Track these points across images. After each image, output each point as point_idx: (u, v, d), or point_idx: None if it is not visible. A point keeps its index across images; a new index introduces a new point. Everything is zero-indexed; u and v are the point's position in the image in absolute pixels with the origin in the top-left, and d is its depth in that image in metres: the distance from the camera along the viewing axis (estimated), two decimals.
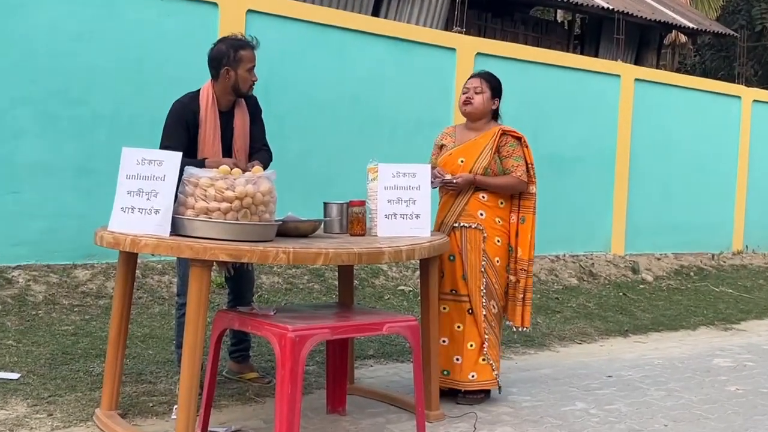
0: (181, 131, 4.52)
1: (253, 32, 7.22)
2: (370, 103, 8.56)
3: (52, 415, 4.21)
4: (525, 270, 4.89)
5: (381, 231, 4.45)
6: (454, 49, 9.24)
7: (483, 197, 4.86)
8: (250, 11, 7.71)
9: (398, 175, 4.51)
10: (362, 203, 4.56)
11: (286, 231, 4.14)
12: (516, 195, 4.94)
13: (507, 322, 5.04)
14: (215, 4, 7.52)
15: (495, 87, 4.98)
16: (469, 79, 5.04)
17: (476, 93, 4.92)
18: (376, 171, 4.56)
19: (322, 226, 4.54)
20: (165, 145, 4.42)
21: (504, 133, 4.91)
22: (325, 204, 4.63)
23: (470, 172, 4.80)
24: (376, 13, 11.99)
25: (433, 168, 4.81)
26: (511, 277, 4.95)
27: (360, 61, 8.53)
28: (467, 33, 11.22)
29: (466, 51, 9.31)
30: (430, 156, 5.15)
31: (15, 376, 4.72)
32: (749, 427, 4.74)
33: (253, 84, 4.69)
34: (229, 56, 4.56)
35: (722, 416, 4.93)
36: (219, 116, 4.62)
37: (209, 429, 4.08)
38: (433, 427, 4.35)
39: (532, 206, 4.94)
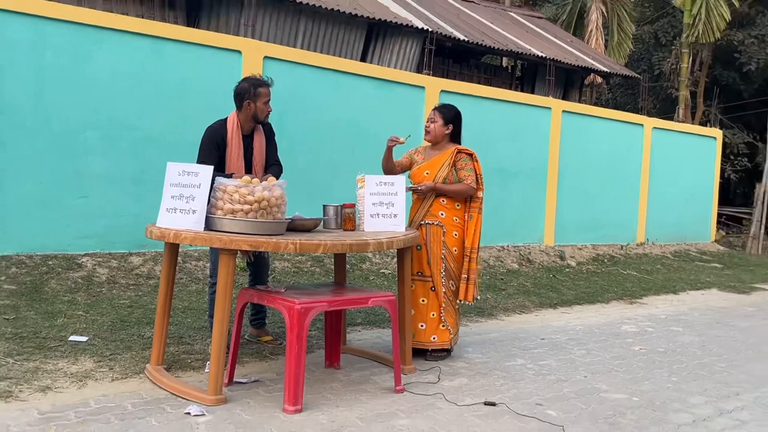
0: (213, 150, 4.50)
1: (269, 74, 7.22)
2: (360, 128, 8.54)
3: (113, 368, 4.20)
4: (469, 255, 4.88)
5: (367, 227, 4.45)
6: (423, 87, 9.24)
7: (443, 201, 4.87)
8: (267, 57, 7.68)
9: (381, 184, 4.52)
10: (353, 205, 4.58)
11: (294, 227, 4.15)
12: (468, 198, 4.95)
13: (459, 300, 5.04)
14: (239, 51, 7.49)
15: (446, 116, 4.97)
16: (431, 111, 5.06)
17: (432, 122, 4.96)
18: (364, 181, 4.56)
19: (321, 223, 4.54)
20: (201, 160, 4.42)
21: (459, 151, 4.93)
22: (324, 206, 4.64)
23: (433, 181, 4.83)
24: (363, 58, 11.97)
25: (404, 168, 5.01)
26: (463, 264, 4.95)
27: (352, 96, 8.51)
28: (434, 75, 11.23)
29: (432, 89, 9.31)
30: (401, 157, 5.14)
31: (84, 339, 4.70)
32: (649, 377, 4.77)
33: (269, 114, 4.67)
34: (250, 92, 4.55)
35: (629, 369, 4.96)
36: (242, 139, 4.61)
37: (234, 379, 4.08)
38: (407, 378, 4.36)
39: (478, 207, 4.92)
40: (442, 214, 4.88)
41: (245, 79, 4.67)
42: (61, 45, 6.47)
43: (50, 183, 6.42)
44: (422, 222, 4.88)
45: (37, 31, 6.34)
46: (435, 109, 5.03)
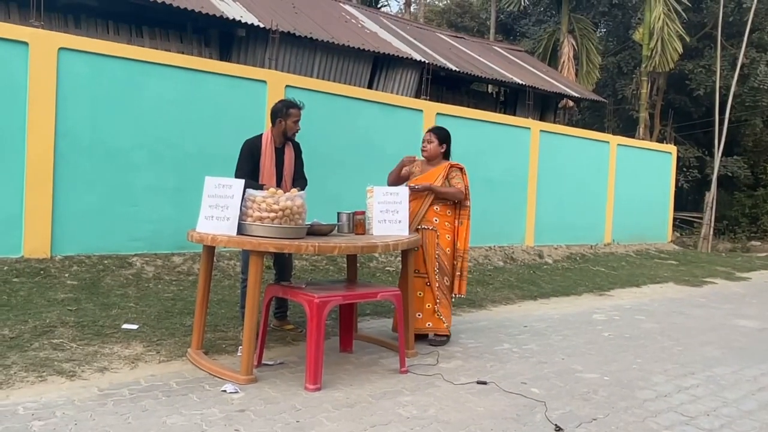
0: (249, 161, 4.52)
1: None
2: (368, 146, 8.53)
3: (160, 352, 4.19)
4: (461, 256, 4.89)
5: (376, 231, 4.44)
6: (421, 110, 9.23)
7: (436, 208, 4.86)
8: (288, 86, 7.68)
9: (387, 194, 4.51)
10: (363, 213, 4.56)
11: (313, 231, 4.13)
12: (457, 206, 4.92)
13: (454, 294, 5.03)
14: (264, 81, 7.49)
15: (440, 136, 4.95)
16: (426, 133, 5.03)
17: (429, 143, 4.93)
18: (373, 192, 4.55)
19: (336, 228, 4.52)
20: (239, 167, 4.46)
21: (452, 166, 4.92)
22: (338, 213, 4.62)
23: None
24: (370, 86, 11.96)
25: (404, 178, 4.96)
26: (455, 263, 4.94)
27: (361, 118, 8.51)
28: (430, 100, 11.18)
29: (429, 111, 9.30)
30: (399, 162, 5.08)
31: (135, 327, 4.69)
32: (617, 359, 4.74)
33: (297, 132, 4.69)
34: (283, 111, 4.59)
35: (599, 352, 4.93)
36: (275, 151, 4.62)
37: (263, 362, 4.07)
38: (410, 361, 4.33)
39: (467, 214, 4.92)
40: (435, 220, 4.86)
41: (281, 101, 4.70)
42: (115, 77, 6.48)
43: (105, 194, 6.42)
44: (419, 227, 4.85)
45: (94, 66, 6.35)
46: (430, 131, 5.00)
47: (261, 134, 4.68)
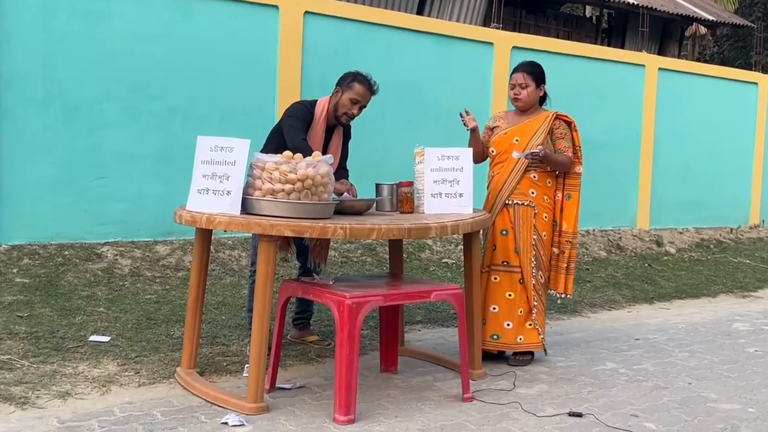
0: (302, 127, 4.60)
1: (310, 32, 7.27)
2: (415, 94, 8.53)
3: (139, 372, 4.30)
4: (570, 242, 4.90)
5: (428, 208, 4.46)
6: (491, 44, 9.16)
7: (534, 177, 4.84)
8: (307, 12, 7.71)
9: (443, 158, 4.51)
10: (410, 184, 4.57)
11: (343, 209, 4.15)
12: (561, 174, 4.93)
13: (550, 291, 5.03)
14: (276, 6, 7.53)
15: (538, 76, 4.92)
16: (512, 73, 4.96)
17: (522, 88, 4.88)
18: (423, 154, 4.56)
19: (374, 205, 4.55)
20: (293, 134, 4.51)
21: (557, 117, 4.89)
22: (377, 185, 4.65)
23: (524, 149, 4.76)
24: (420, 11, 11.92)
25: (486, 147, 4.98)
26: (555, 249, 4.94)
27: (405, 56, 8.49)
28: (504, 29, 11.09)
29: (502, 45, 9.23)
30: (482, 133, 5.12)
31: (106, 339, 4.82)
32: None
33: (348, 115, 4.71)
34: (346, 81, 4.68)
35: (742, 375, 4.86)
36: (325, 128, 4.71)
37: (277, 385, 4.14)
38: (476, 384, 4.35)
39: (577, 185, 4.94)
40: (532, 193, 4.84)
41: (355, 72, 4.76)
42: (73, 6, 6.59)
43: (64, 162, 6.59)
44: (508, 202, 4.84)
45: None
46: (521, 70, 4.92)
47: (314, 102, 4.78)
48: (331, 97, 4.74)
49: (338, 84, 4.72)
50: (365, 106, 4.75)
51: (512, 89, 4.92)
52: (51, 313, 5.26)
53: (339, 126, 4.81)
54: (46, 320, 5.11)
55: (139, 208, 6.87)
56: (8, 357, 4.37)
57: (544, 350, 4.95)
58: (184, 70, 7.09)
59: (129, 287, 6.08)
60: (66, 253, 6.38)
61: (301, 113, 4.66)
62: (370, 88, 4.69)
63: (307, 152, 3.99)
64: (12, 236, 6.37)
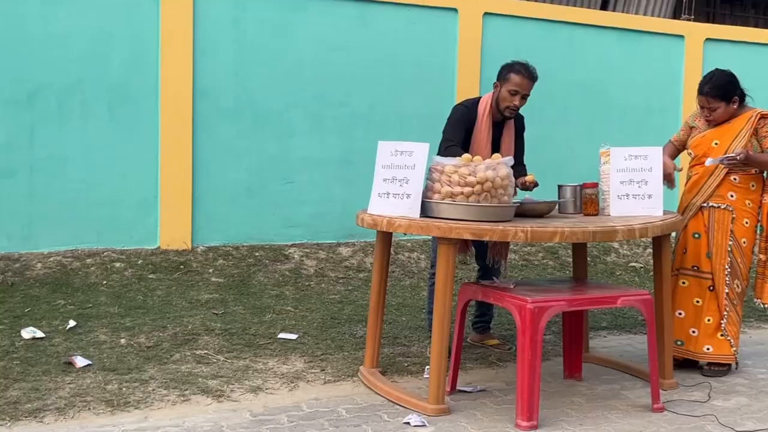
0: (461, 129, 4.61)
1: (488, 33, 7.24)
2: (600, 92, 8.32)
3: (324, 370, 4.44)
4: None
5: (614, 210, 4.35)
6: (682, 37, 8.75)
7: (735, 179, 4.56)
8: (486, 14, 7.69)
9: (630, 158, 4.38)
10: (594, 185, 4.47)
11: (524, 212, 4.12)
12: (764, 175, 4.64)
13: (755, 300, 4.75)
14: (455, 9, 7.56)
15: (724, 94, 4.55)
16: (697, 94, 4.64)
17: (711, 111, 4.59)
18: (609, 154, 4.44)
19: (556, 207, 4.47)
20: (447, 137, 4.56)
21: (762, 116, 4.58)
22: (560, 186, 4.58)
23: (725, 153, 4.50)
24: (604, 6, 11.60)
25: (685, 148, 4.83)
26: (761, 256, 4.65)
27: (589, 53, 8.30)
28: (696, 20, 10.56)
29: (694, 38, 8.80)
30: (678, 131, 4.92)
31: (293, 336, 5.02)
32: None
33: (511, 108, 4.58)
34: (503, 74, 4.61)
35: None
36: (492, 126, 4.67)
37: (458, 387, 4.15)
38: (668, 395, 4.17)
39: None
40: (732, 196, 4.57)
41: (512, 61, 4.67)
42: (262, 19, 6.91)
43: (254, 168, 6.93)
44: (704, 204, 4.62)
45: (238, 5, 6.83)
46: (703, 95, 4.58)
47: (477, 99, 4.76)
48: (492, 92, 4.68)
49: (497, 78, 4.64)
50: (528, 95, 4.60)
51: (701, 110, 4.67)
52: (243, 311, 5.55)
53: (508, 120, 4.73)
54: (238, 318, 5.39)
55: (323, 211, 7.11)
56: (205, 352, 4.65)
57: (736, 363, 4.68)
58: (365, 76, 7.27)
59: (314, 287, 6.30)
60: (256, 254, 6.70)
61: (458, 116, 4.64)
62: (529, 76, 4.55)
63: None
64: (208, 238, 6.76)
